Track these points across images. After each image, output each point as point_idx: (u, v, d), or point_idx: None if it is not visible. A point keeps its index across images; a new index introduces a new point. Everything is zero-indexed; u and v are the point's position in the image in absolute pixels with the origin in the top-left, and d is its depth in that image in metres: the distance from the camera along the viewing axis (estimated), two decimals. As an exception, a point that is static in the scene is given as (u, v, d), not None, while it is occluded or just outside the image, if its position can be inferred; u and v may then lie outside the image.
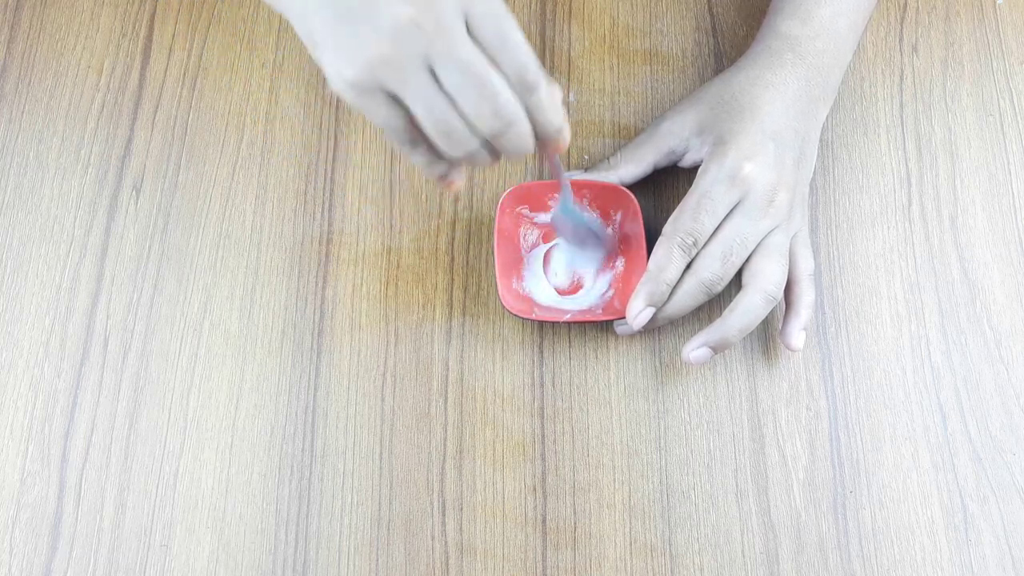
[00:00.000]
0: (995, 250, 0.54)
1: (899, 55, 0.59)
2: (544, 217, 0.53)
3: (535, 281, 0.53)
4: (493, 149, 0.40)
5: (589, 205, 0.53)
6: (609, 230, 0.53)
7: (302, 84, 0.58)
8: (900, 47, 0.59)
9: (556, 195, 0.53)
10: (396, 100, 0.38)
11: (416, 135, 0.40)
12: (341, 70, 0.38)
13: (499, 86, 0.38)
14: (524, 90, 0.39)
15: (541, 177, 0.55)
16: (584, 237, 0.52)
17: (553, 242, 0.53)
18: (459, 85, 0.37)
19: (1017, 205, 0.55)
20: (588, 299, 0.52)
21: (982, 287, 0.53)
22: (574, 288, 0.52)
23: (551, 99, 0.40)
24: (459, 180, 0.44)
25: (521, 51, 0.38)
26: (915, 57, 0.59)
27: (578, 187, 0.52)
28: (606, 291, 0.52)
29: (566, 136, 0.42)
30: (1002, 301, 0.53)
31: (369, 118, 0.40)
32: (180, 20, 0.59)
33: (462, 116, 0.38)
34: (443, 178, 0.43)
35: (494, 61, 0.38)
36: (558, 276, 0.53)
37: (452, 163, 0.42)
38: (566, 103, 0.57)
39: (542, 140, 0.41)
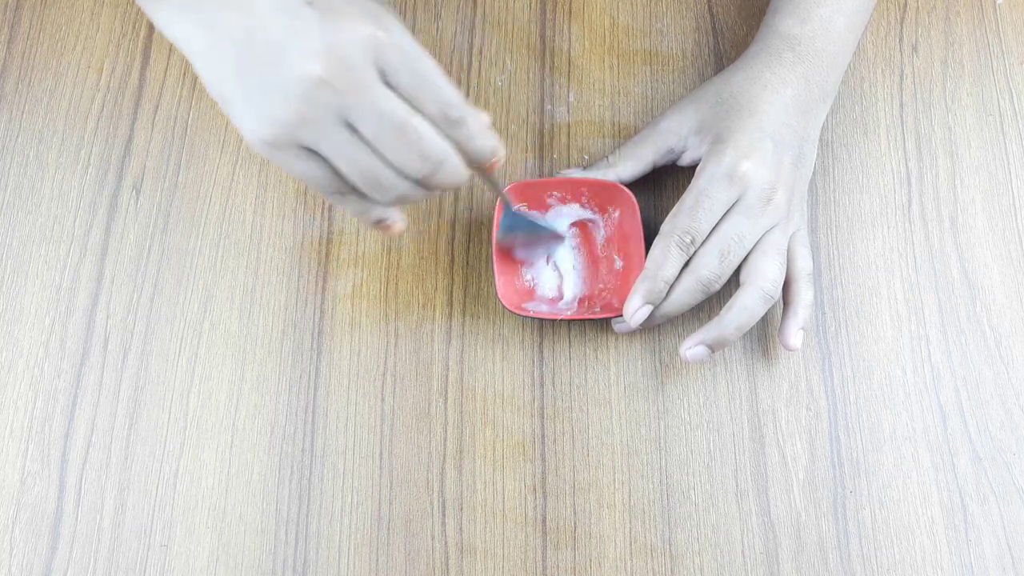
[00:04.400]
0: (995, 250, 0.54)
1: (899, 55, 0.59)
2: (542, 214, 0.53)
3: (537, 277, 0.53)
4: (425, 185, 0.40)
5: (588, 202, 0.53)
6: (553, 222, 0.53)
7: (302, 84, 0.58)
8: (900, 47, 0.59)
9: (554, 192, 0.53)
10: (315, 154, 0.38)
11: (342, 185, 0.39)
12: (254, 127, 0.37)
13: (422, 130, 0.37)
14: (450, 126, 0.38)
15: (541, 175, 0.55)
16: (536, 241, 0.52)
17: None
18: (380, 136, 0.37)
19: (1017, 205, 0.55)
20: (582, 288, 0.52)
21: (982, 287, 0.53)
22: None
23: (479, 127, 0.39)
24: (399, 224, 0.43)
25: (441, 89, 0.38)
26: (915, 57, 0.59)
27: (576, 185, 0.53)
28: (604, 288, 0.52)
29: (501, 155, 0.41)
30: (1002, 301, 0.53)
31: (287, 172, 0.39)
32: (180, 20, 0.59)
33: (387, 164, 0.38)
34: (380, 223, 0.43)
35: (415, 104, 0.37)
36: (559, 269, 0.53)
37: (385, 206, 0.42)
38: (566, 103, 0.57)
39: (478, 164, 0.41)
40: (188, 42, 0.39)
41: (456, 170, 0.39)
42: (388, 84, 0.37)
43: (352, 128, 0.37)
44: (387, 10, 0.38)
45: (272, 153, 0.38)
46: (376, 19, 0.37)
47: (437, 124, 0.38)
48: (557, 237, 0.53)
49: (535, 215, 0.52)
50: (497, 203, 0.51)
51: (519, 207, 0.52)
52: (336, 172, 0.39)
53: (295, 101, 0.36)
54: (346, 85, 0.36)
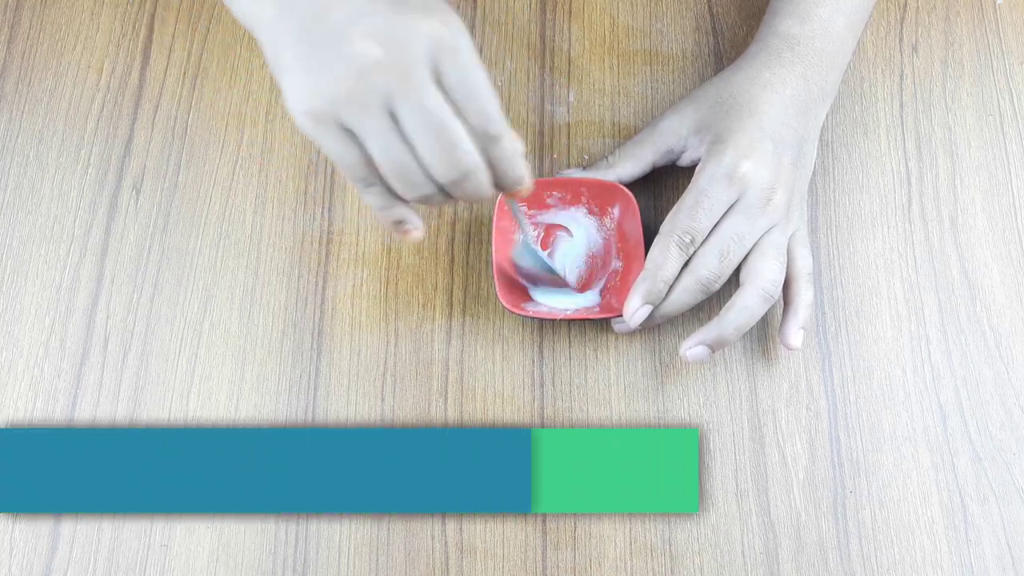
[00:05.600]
0: (995, 250, 0.54)
1: (899, 55, 0.59)
2: (543, 216, 0.53)
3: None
4: (449, 192, 0.40)
5: (587, 203, 0.53)
6: (567, 273, 0.52)
7: (302, 84, 0.58)
8: (900, 47, 0.59)
9: (554, 192, 0.53)
10: (352, 136, 0.38)
11: (370, 174, 0.40)
12: (301, 98, 0.38)
13: (458, 136, 0.38)
14: (486, 141, 0.39)
15: (540, 175, 0.55)
16: (538, 276, 0.51)
17: (556, 237, 0.53)
18: (418, 131, 0.37)
19: (1017, 205, 0.55)
20: (587, 297, 0.52)
21: (982, 287, 0.53)
22: (582, 287, 0.53)
23: (512, 151, 0.40)
24: (417, 231, 0.43)
25: (486, 102, 0.38)
26: (915, 57, 0.59)
27: (576, 185, 0.53)
28: (604, 289, 0.52)
29: (527, 186, 0.42)
30: (1002, 301, 0.53)
31: (322, 150, 0.39)
32: (180, 20, 0.59)
33: (418, 161, 0.38)
34: (399, 225, 0.43)
35: (458, 110, 0.38)
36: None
37: (407, 206, 0.42)
38: (566, 103, 0.57)
39: (502, 189, 0.41)
40: (256, 15, 0.39)
41: (481, 185, 0.40)
42: (438, 84, 0.37)
43: (394, 117, 0.37)
44: (452, 11, 0.38)
45: (312, 127, 0.38)
46: (442, 18, 0.37)
47: (475, 135, 0.38)
48: (562, 283, 0.52)
49: (546, 256, 0.52)
50: (497, 202, 0.51)
51: (535, 238, 0.51)
52: (368, 159, 0.39)
53: (347, 78, 0.36)
54: (399, 74, 0.36)
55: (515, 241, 0.52)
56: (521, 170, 0.41)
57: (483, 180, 0.40)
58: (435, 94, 0.37)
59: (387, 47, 0.36)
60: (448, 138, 0.38)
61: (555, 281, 0.51)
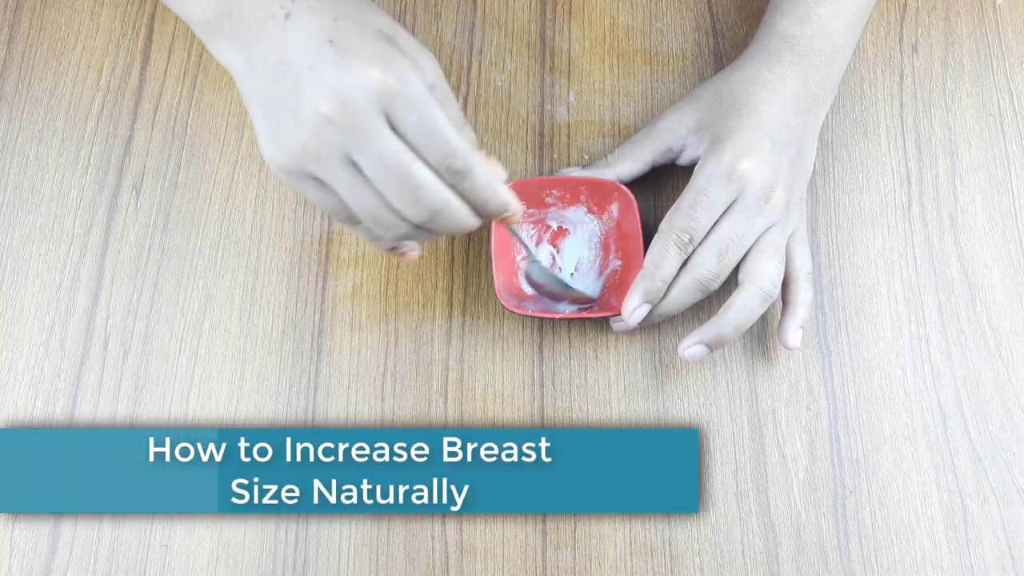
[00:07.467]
0: (995, 250, 0.54)
1: (899, 55, 0.59)
2: (542, 213, 0.54)
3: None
4: (427, 229, 0.41)
5: (586, 202, 0.53)
6: (583, 286, 0.52)
7: (302, 84, 0.58)
8: (900, 47, 0.59)
9: (553, 191, 0.53)
10: (326, 184, 0.39)
11: (352, 216, 0.41)
12: (272, 153, 0.39)
13: (421, 178, 0.38)
14: (453, 177, 0.39)
15: (540, 174, 0.55)
16: (550, 292, 0.52)
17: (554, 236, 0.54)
18: (379, 179, 0.38)
19: (1017, 205, 0.55)
20: (588, 291, 0.52)
21: (982, 287, 0.53)
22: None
23: (486, 181, 0.40)
24: (413, 252, 0.45)
25: (446, 139, 0.38)
26: (915, 57, 0.59)
27: (575, 184, 0.53)
28: (603, 288, 0.52)
29: (514, 210, 0.42)
30: (1002, 301, 0.53)
31: (304, 197, 0.40)
32: (180, 20, 0.59)
33: (388, 206, 0.39)
34: (394, 251, 0.44)
35: (420, 152, 0.38)
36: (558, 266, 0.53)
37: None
38: (566, 103, 0.57)
39: (488, 217, 0.42)
40: (231, 65, 0.41)
41: (457, 218, 0.40)
42: (396, 130, 0.38)
43: (357, 167, 0.38)
44: (408, 51, 0.39)
45: (287, 178, 0.40)
46: (391, 64, 0.37)
47: (440, 173, 0.39)
48: (582, 298, 0.51)
49: (558, 273, 0.52)
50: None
51: (539, 260, 0.51)
52: (345, 203, 0.40)
53: (304, 135, 0.38)
54: (350, 128, 0.37)
55: (521, 263, 0.52)
56: (501, 198, 0.41)
57: (459, 214, 0.40)
58: (390, 141, 0.38)
59: (334, 103, 0.37)
60: (410, 182, 0.38)
61: (574, 297, 0.51)
